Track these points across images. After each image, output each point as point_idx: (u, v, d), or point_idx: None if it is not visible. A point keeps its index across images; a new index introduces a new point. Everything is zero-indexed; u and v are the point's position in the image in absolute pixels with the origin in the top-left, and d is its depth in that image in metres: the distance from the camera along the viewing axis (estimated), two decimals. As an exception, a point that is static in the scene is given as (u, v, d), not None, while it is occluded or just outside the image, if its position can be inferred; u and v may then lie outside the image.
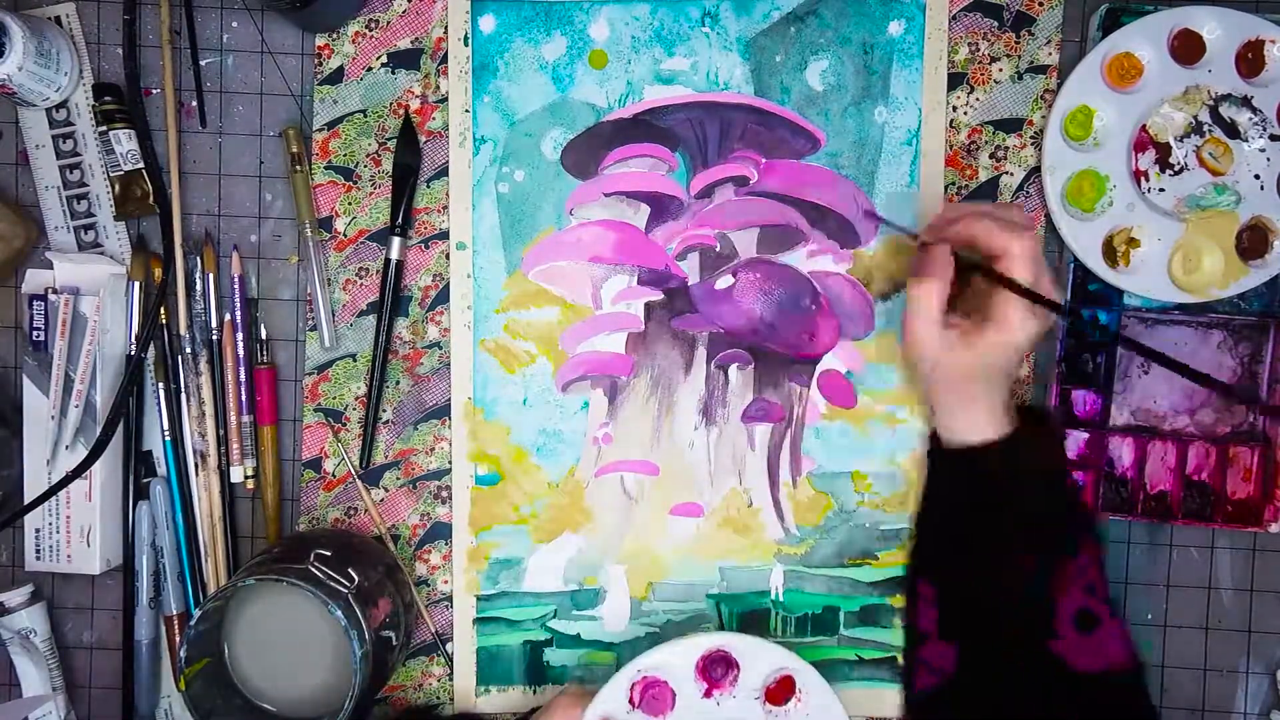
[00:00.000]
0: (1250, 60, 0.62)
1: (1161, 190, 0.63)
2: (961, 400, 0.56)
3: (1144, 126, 0.63)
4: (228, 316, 0.65)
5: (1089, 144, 0.63)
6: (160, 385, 0.65)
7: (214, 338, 0.65)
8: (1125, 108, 0.63)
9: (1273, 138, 0.62)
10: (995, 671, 0.55)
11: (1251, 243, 0.63)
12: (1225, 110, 0.62)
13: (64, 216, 0.65)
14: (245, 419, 0.65)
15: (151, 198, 0.64)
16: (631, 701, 0.58)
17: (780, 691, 0.58)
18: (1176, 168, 0.62)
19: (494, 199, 0.65)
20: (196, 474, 0.65)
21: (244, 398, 0.65)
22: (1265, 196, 0.62)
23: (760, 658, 0.59)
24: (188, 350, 0.64)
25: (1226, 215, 0.63)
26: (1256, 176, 0.62)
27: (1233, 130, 0.62)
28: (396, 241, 0.65)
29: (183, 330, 0.64)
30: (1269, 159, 0.62)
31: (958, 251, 0.55)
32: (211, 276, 0.65)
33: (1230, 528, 0.66)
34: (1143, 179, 0.63)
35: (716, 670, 0.59)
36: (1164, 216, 0.63)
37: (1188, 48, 0.62)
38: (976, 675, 0.56)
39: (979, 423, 0.55)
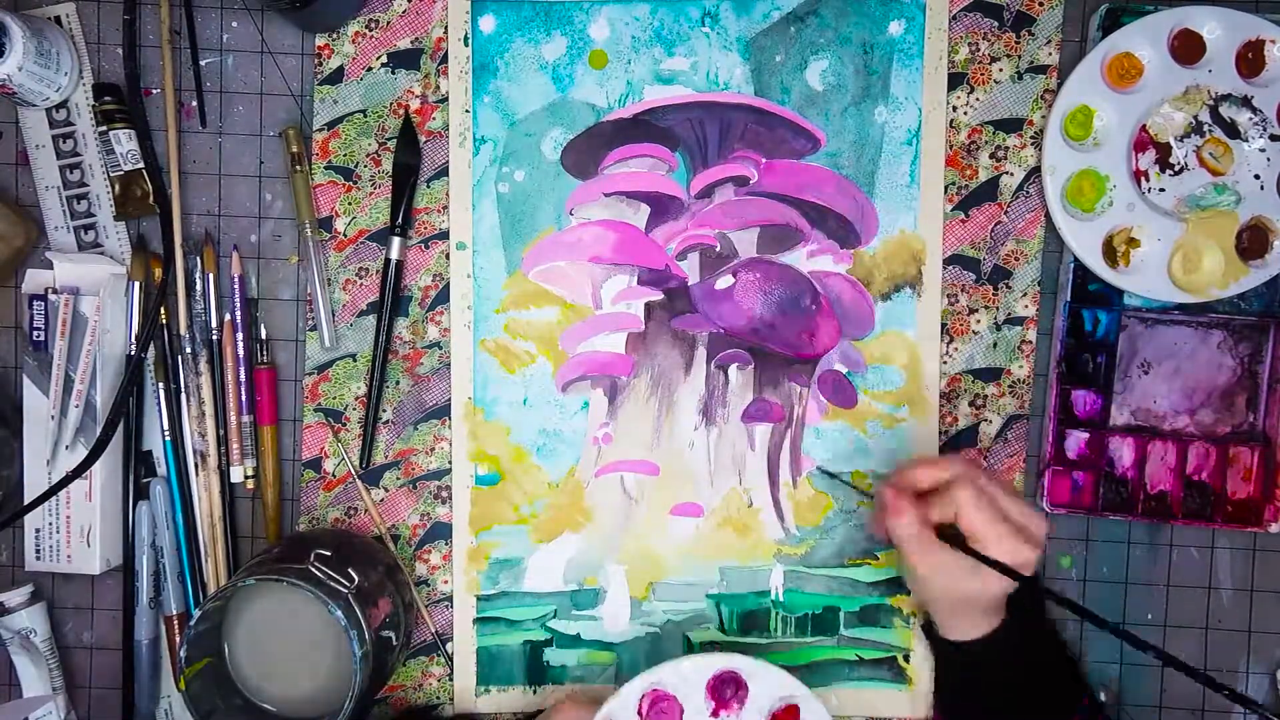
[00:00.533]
0: (1250, 60, 0.62)
1: (1161, 190, 0.63)
2: (958, 611, 0.58)
3: (1144, 126, 0.63)
4: (228, 316, 0.65)
5: (1089, 144, 0.63)
6: (160, 385, 0.65)
7: (214, 338, 0.65)
8: (1125, 108, 0.63)
9: (1273, 138, 0.62)
10: None
11: (1251, 243, 0.63)
12: (1225, 110, 0.62)
13: (64, 216, 0.65)
14: (245, 419, 0.65)
15: (151, 198, 0.64)
16: (640, 713, 0.58)
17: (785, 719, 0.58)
18: (1176, 168, 0.62)
19: (494, 199, 0.65)
20: (197, 474, 0.65)
21: (244, 398, 0.65)
22: (1265, 196, 0.62)
23: (769, 682, 0.59)
24: (188, 350, 0.64)
25: (1226, 215, 0.63)
26: (1256, 176, 0.62)
27: (1233, 130, 0.62)
28: (396, 241, 0.65)
29: (183, 330, 0.64)
30: (1269, 159, 0.62)
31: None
32: (211, 276, 0.65)
33: (1230, 528, 0.66)
34: (1143, 179, 0.63)
35: (726, 691, 0.59)
36: (1164, 216, 0.63)
37: (1188, 48, 0.62)
38: None
39: (971, 627, 0.58)
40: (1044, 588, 0.53)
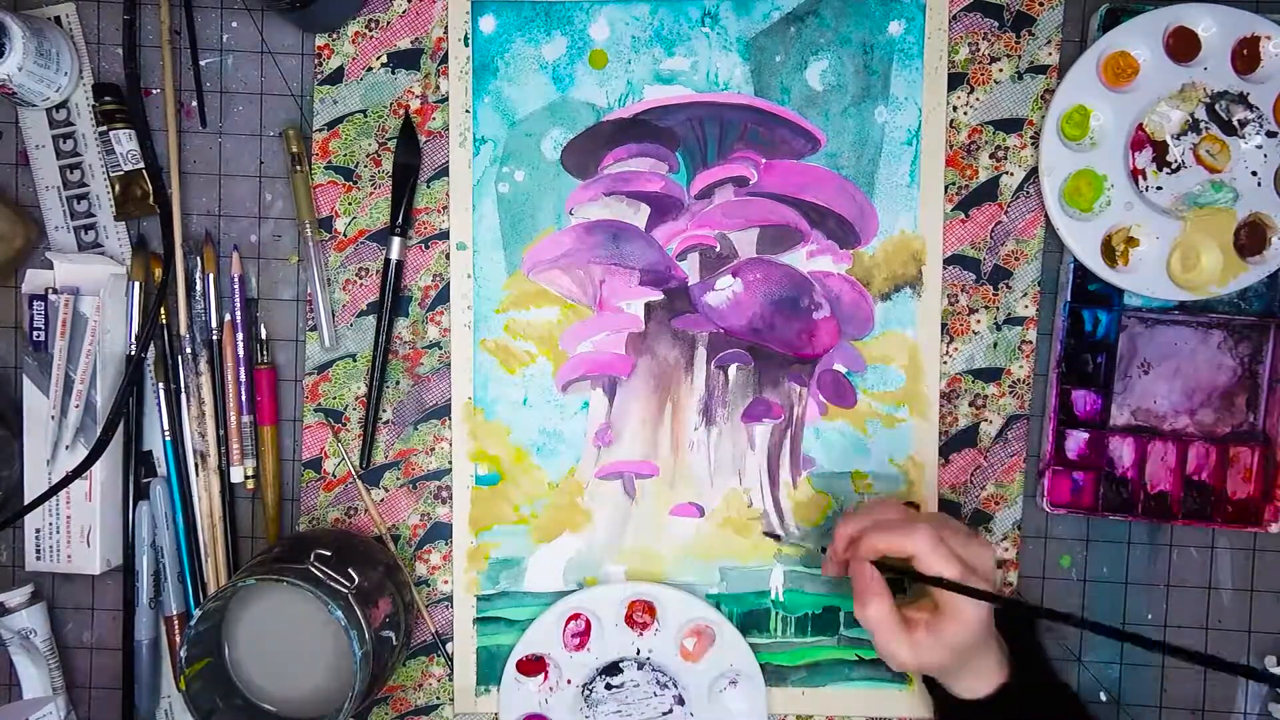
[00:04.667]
0: (1246, 57, 0.62)
1: (1159, 189, 0.63)
2: (954, 674, 0.58)
3: (1140, 125, 0.63)
4: (228, 317, 0.65)
5: (1085, 144, 0.63)
6: (160, 385, 0.65)
7: (214, 338, 0.65)
8: (1121, 107, 0.63)
9: (1269, 134, 0.62)
10: None
11: (1250, 239, 0.63)
12: (1221, 107, 0.62)
13: (64, 217, 0.65)
14: (245, 419, 0.65)
15: (151, 198, 0.64)
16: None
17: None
18: (1174, 166, 0.62)
19: (494, 199, 0.65)
20: (197, 474, 0.65)
21: (244, 398, 0.65)
22: (1263, 193, 0.62)
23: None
24: (188, 350, 0.64)
25: (1224, 212, 0.63)
26: (1254, 173, 0.62)
27: (1229, 127, 0.62)
28: (396, 241, 0.65)
29: (182, 330, 0.64)
30: (1266, 155, 0.62)
31: (878, 561, 0.56)
32: (211, 276, 0.65)
33: (1230, 528, 0.66)
34: (1140, 178, 0.63)
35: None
36: (1162, 215, 0.63)
37: (1183, 45, 0.62)
38: None
39: (975, 685, 0.58)
40: (1044, 609, 0.52)
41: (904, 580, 0.59)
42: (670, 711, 0.65)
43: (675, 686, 0.65)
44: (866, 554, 0.57)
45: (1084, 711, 0.61)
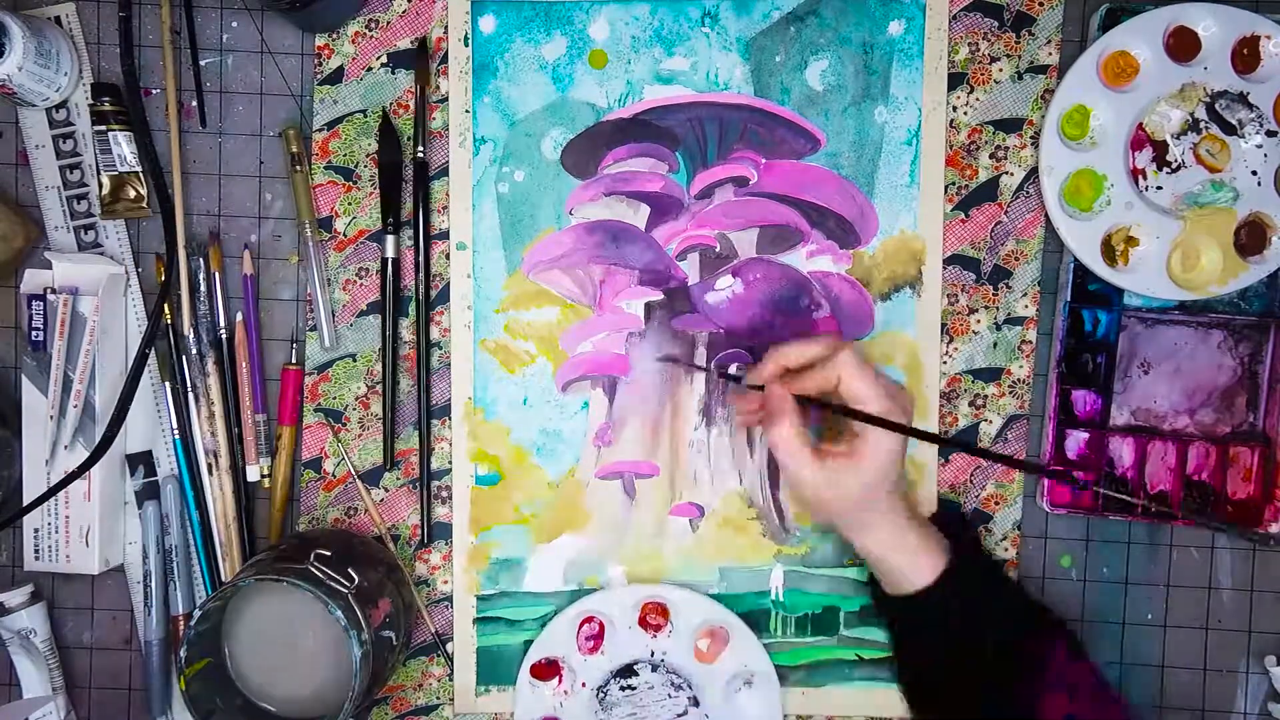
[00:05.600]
0: (1246, 56, 0.62)
1: (1159, 188, 0.63)
2: (867, 525, 0.57)
3: (1140, 125, 0.63)
4: (238, 316, 0.65)
5: (1085, 143, 0.63)
6: (167, 385, 0.65)
7: (221, 336, 0.65)
8: (1122, 106, 0.63)
9: (1269, 134, 0.62)
10: None
11: (1250, 239, 0.63)
12: (1221, 107, 0.62)
13: (64, 217, 0.65)
14: (259, 417, 0.65)
15: (145, 200, 0.64)
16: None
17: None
18: (1174, 165, 0.62)
19: (494, 199, 0.65)
20: (210, 474, 0.65)
21: (260, 396, 0.65)
22: (1263, 193, 0.62)
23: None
24: (194, 351, 0.64)
25: (1224, 212, 0.63)
26: (1254, 173, 0.62)
27: (1229, 127, 0.62)
28: (390, 240, 0.64)
29: (186, 330, 0.64)
30: (1266, 155, 0.62)
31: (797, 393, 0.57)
32: (217, 275, 0.65)
33: (1230, 528, 0.66)
34: (1140, 177, 0.63)
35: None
36: (1162, 214, 0.63)
37: (1183, 45, 0.62)
38: None
39: (915, 569, 0.57)
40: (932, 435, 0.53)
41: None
42: (685, 714, 0.65)
43: (690, 688, 0.65)
44: (784, 380, 0.57)
45: (1027, 596, 0.60)
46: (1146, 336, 0.66)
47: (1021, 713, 0.55)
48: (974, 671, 0.57)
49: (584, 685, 0.65)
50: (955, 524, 0.62)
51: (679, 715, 0.65)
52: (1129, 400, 0.66)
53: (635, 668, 0.65)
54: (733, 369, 0.65)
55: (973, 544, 0.62)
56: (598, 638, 0.65)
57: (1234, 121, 0.62)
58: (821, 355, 0.56)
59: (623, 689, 0.65)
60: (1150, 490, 0.66)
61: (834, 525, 0.59)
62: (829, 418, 0.58)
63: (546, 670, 0.65)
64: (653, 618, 0.64)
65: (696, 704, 0.65)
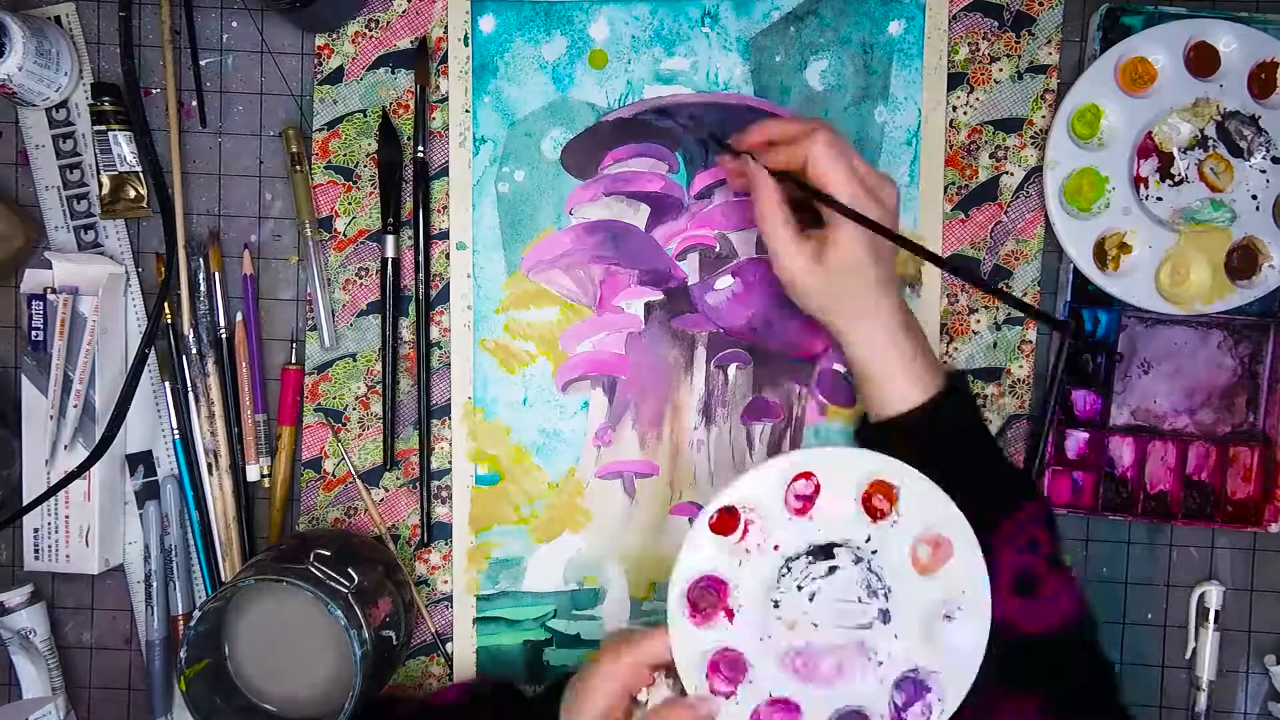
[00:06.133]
0: (1263, 81, 0.62)
1: (1159, 199, 0.63)
2: (855, 318, 0.56)
3: (1149, 134, 0.63)
4: (238, 316, 0.65)
5: (1093, 143, 0.63)
6: (166, 385, 0.65)
7: (221, 336, 0.65)
8: (1134, 112, 0.63)
9: (1275, 160, 0.62)
10: None
11: (1241, 263, 0.63)
12: (1232, 127, 0.62)
13: (64, 216, 0.65)
14: (259, 417, 0.65)
15: (145, 200, 0.64)
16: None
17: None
18: (1177, 179, 0.62)
19: (494, 199, 0.65)
20: (210, 473, 0.65)
21: (260, 396, 0.65)
22: (1260, 218, 0.62)
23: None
24: (194, 350, 0.64)
25: (1220, 232, 0.63)
26: (1254, 197, 0.62)
27: (1236, 148, 0.62)
28: (390, 240, 0.64)
29: (186, 330, 0.64)
30: (1269, 181, 0.62)
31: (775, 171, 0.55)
32: (217, 275, 0.65)
33: (1230, 527, 0.66)
34: (1142, 185, 0.63)
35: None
36: (1158, 225, 0.63)
37: (1203, 60, 0.62)
38: None
39: (899, 391, 0.55)
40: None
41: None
42: (869, 626, 0.52)
43: (887, 599, 0.52)
44: (761, 155, 0.56)
45: (1001, 453, 0.59)
46: (1146, 336, 0.66)
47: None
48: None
49: (776, 549, 0.52)
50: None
51: (860, 626, 0.52)
52: (1129, 400, 0.66)
53: (835, 551, 0.52)
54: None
55: (963, 377, 0.59)
56: (809, 499, 0.52)
57: (1242, 144, 0.62)
58: (799, 132, 0.55)
59: (812, 572, 0.53)
60: (1150, 490, 0.66)
61: (823, 317, 0.57)
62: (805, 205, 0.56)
63: (728, 522, 0.52)
64: (878, 499, 0.52)
65: (887, 620, 0.52)
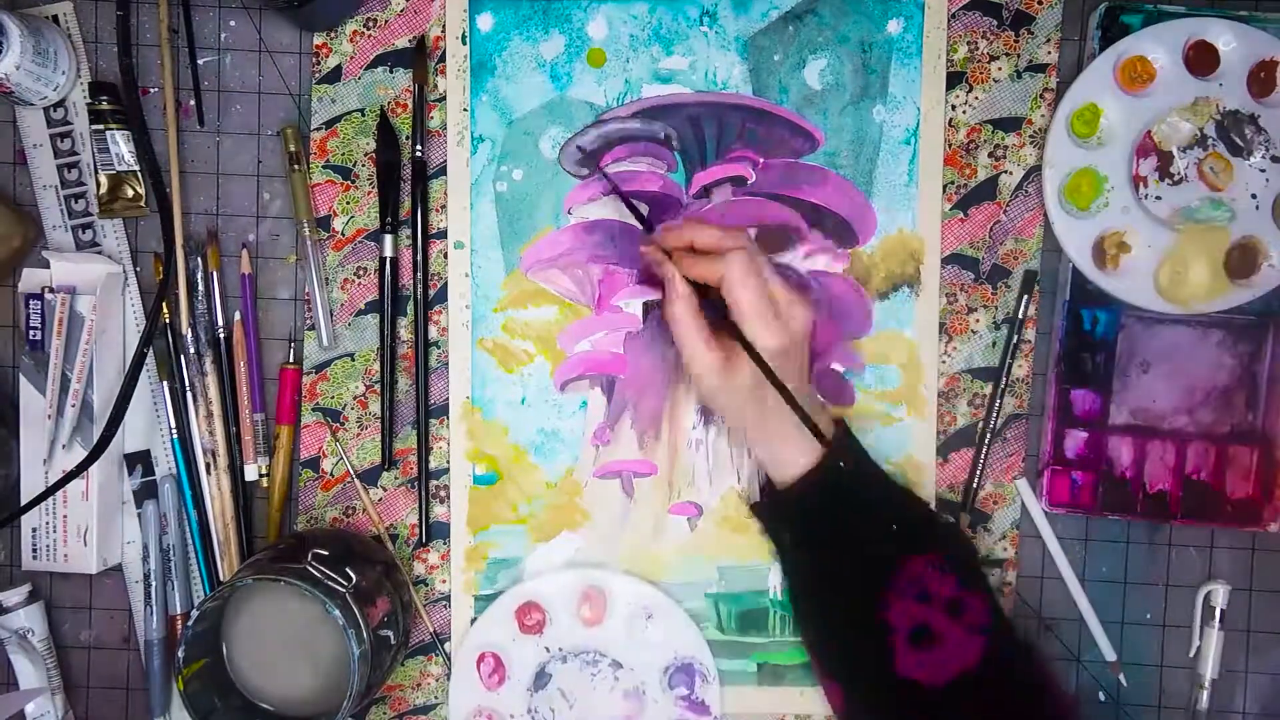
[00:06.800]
0: (1263, 80, 0.62)
1: (1158, 198, 0.63)
2: (761, 430, 0.57)
3: (1149, 133, 0.62)
4: (236, 315, 0.65)
5: (1093, 142, 0.63)
6: (165, 384, 0.65)
7: (219, 335, 0.65)
8: (1133, 111, 0.62)
9: (1274, 159, 0.62)
10: (869, 706, 0.56)
11: (1240, 262, 0.63)
12: (1231, 126, 0.62)
13: (62, 216, 0.65)
14: (257, 417, 0.65)
15: (143, 199, 0.64)
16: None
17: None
18: (1176, 178, 0.62)
19: (492, 198, 0.65)
20: (209, 473, 0.65)
21: (258, 396, 0.65)
22: (1259, 217, 0.62)
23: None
24: (192, 350, 0.64)
25: (1218, 231, 0.63)
26: (1253, 196, 0.62)
27: (1236, 147, 0.62)
28: (389, 239, 0.64)
29: (184, 329, 0.64)
30: (1268, 180, 0.62)
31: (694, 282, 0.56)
32: (215, 275, 0.65)
33: (1230, 527, 0.66)
34: (1141, 184, 0.63)
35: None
36: (1157, 224, 0.63)
37: (1202, 59, 0.62)
38: (857, 713, 0.58)
39: (789, 458, 0.56)
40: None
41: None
42: (619, 679, 0.66)
43: (603, 656, 0.65)
44: (687, 257, 0.56)
45: (899, 489, 0.60)
46: (1146, 336, 0.66)
47: (866, 617, 0.54)
48: (837, 575, 0.56)
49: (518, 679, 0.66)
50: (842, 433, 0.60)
51: (614, 684, 0.65)
52: (1128, 400, 0.66)
53: (547, 669, 0.66)
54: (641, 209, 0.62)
55: (844, 433, 0.60)
56: (497, 671, 0.66)
57: (1241, 143, 0.62)
58: (720, 247, 0.55)
59: (544, 684, 0.66)
60: (1150, 490, 0.66)
61: (722, 414, 0.58)
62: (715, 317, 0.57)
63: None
64: (527, 619, 0.65)
65: (619, 665, 0.65)
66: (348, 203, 0.65)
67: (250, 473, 0.66)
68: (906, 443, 0.66)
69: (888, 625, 0.54)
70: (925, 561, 0.55)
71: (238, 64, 0.65)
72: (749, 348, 0.53)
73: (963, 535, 0.61)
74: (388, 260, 0.64)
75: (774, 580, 0.66)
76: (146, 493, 0.66)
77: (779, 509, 0.60)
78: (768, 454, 0.59)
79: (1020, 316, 0.64)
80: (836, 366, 0.66)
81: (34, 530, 0.64)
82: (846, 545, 0.56)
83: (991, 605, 0.55)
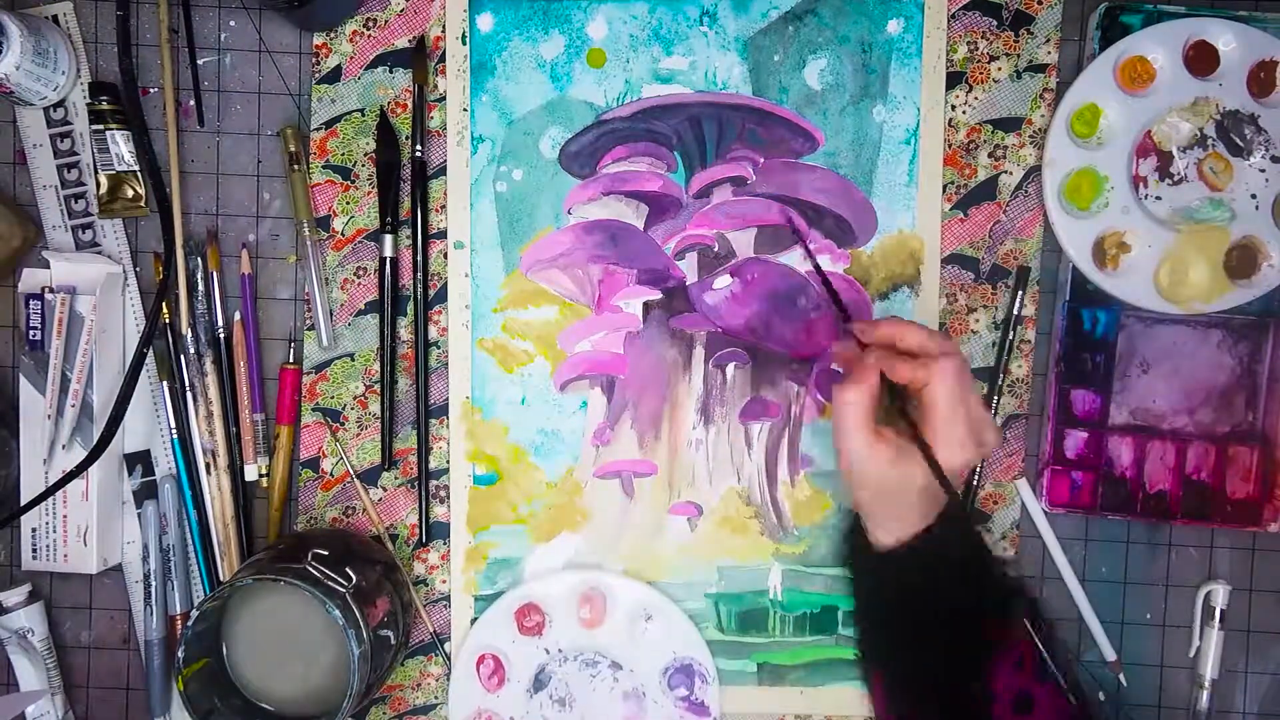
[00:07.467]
0: (1262, 80, 0.62)
1: (1158, 198, 0.63)
2: (888, 511, 0.55)
3: (1149, 133, 0.62)
4: (236, 315, 0.65)
5: (1092, 142, 0.63)
6: (164, 384, 0.65)
7: (219, 335, 0.65)
8: (1133, 111, 0.62)
9: (1274, 159, 0.62)
10: None
11: (1240, 262, 0.63)
12: (1231, 126, 0.62)
13: (62, 216, 0.65)
14: (257, 417, 0.65)
15: (143, 199, 0.64)
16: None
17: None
18: (1176, 178, 0.62)
19: (492, 198, 0.65)
20: (209, 473, 0.65)
21: (258, 396, 0.65)
22: (1259, 217, 0.62)
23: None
24: (192, 350, 0.64)
25: (1218, 231, 0.63)
26: (1253, 196, 0.62)
27: (1236, 147, 0.62)
28: (389, 239, 0.64)
29: (184, 329, 0.64)
30: (1268, 180, 0.62)
31: (888, 376, 0.54)
32: (215, 275, 0.65)
33: (1230, 527, 0.66)
34: (1141, 184, 0.63)
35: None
36: (1157, 224, 0.63)
37: (1202, 59, 0.62)
38: None
39: (898, 525, 0.55)
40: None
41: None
42: (618, 680, 0.66)
43: (603, 658, 0.66)
44: (884, 338, 0.55)
45: (993, 561, 0.59)
46: (1146, 336, 0.66)
47: (964, 677, 0.54)
48: (925, 628, 0.55)
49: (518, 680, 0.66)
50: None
51: (614, 685, 0.66)
52: (1128, 400, 0.66)
53: (547, 670, 0.66)
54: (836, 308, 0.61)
55: (958, 507, 0.59)
56: (497, 673, 0.66)
57: (1241, 143, 0.62)
58: (931, 351, 0.54)
59: (542, 688, 0.66)
60: (1149, 490, 0.66)
61: (860, 498, 0.56)
62: (905, 408, 0.55)
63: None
64: (527, 620, 0.65)
65: (618, 666, 0.66)
66: (347, 203, 0.65)
67: (250, 473, 0.66)
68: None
69: (989, 689, 0.53)
70: (1023, 626, 0.55)
71: (237, 64, 0.65)
72: (930, 457, 0.52)
73: (1041, 610, 0.60)
74: (388, 260, 0.64)
75: (773, 580, 0.66)
76: (146, 493, 0.66)
77: (871, 565, 0.58)
78: (879, 519, 0.57)
79: (1015, 313, 0.64)
80: (836, 367, 0.66)
81: (34, 530, 0.64)
82: (936, 606, 0.55)
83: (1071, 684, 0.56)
